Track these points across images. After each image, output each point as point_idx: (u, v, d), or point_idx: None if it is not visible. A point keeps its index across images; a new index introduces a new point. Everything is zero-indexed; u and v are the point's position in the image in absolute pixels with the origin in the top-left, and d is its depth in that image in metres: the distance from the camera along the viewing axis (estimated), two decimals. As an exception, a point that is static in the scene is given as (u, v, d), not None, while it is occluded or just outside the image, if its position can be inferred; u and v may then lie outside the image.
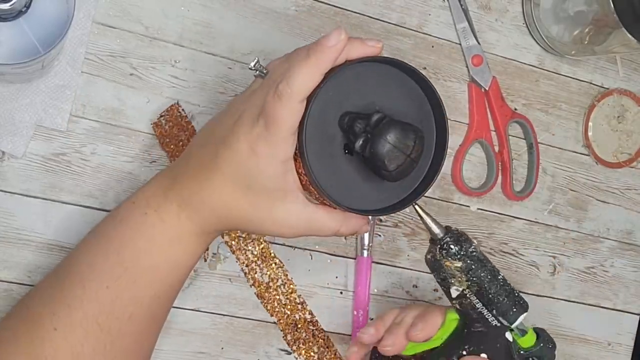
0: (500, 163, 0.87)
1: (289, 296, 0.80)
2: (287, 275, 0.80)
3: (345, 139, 0.61)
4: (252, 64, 0.61)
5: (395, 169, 0.59)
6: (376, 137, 0.58)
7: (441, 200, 0.86)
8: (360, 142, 0.59)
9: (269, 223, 0.62)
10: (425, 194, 0.63)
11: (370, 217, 0.80)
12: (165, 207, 0.62)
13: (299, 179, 0.62)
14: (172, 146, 0.75)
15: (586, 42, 0.86)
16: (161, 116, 0.75)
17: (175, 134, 0.75)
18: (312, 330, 0.81)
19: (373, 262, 0.83)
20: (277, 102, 0.57)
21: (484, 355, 0.67)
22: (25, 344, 0.61)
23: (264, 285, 0.79)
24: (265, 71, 0.62)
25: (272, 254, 0.79)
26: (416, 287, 0.85)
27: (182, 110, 0.75)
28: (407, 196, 0.64)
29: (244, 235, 0.78)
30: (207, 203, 0.62)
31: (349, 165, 0.62)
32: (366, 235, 0.82)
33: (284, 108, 0.57)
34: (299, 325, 0.80)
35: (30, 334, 0.61)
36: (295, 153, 0.61)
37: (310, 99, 0.59)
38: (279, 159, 0.59)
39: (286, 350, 0.80)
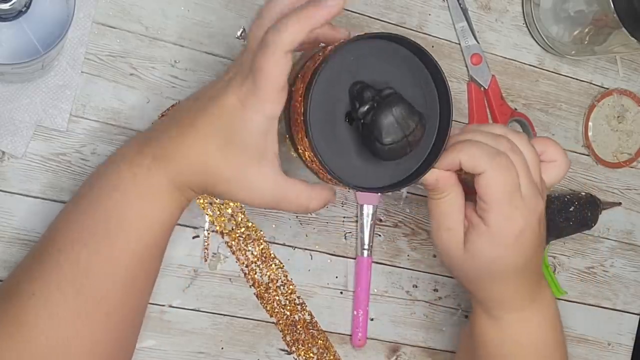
0: (500, 163, 0.87)
1: (288, 297, 0.80)
2: (286, 276, 0.80)
3: (350, 106, 0.61)
4: (239, 33, 0.62)
5: (390, 143, 0.59)
6: (382, 106, 0.59)
7: (441, 200, 0.86)
8: (365, 108, 0.59)
9: (240, 185, 0.61)
10: (419, 187, 0.63)
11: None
12: (138, 160, 0.62)
13: (298, 151, 0.62)
14: (172, 146, 0.75)
15: (586, 42, 0.86)
16: (162, 115, 0.75)
17: (175, 133, 0.75)
18: (312, 331, 0.81)
19: (373, 262, 0.83)
20: (263, 52, 0.58)
21: None
22: (4, 311, 0.61)
23: (264, 285, 0.79)
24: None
25: (272, 255, 0.79)
26: (416, 287, 0.85)
27: (183, 109, 0.75)
28: (396, 182, 0.64)
29: (244, 236, 0.78)
30: (183, 154, 0.61)
31: (349, 137, 0.62)
32: (366, 235, 0.82)
33: (269, 58, 0.57)
34: (299, 326, 0.80)
35: (8, 302, 0.61)
36: (295, 130, 0.61)
37: (319, 66, 0.60)
38: (264, 114, 0.59)
39: (286, 350, 0.80)
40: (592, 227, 0.89)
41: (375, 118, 0.59)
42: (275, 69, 0.58)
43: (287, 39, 0.57)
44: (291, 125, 0.64)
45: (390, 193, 0.83)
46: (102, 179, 0.64)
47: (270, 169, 0.61)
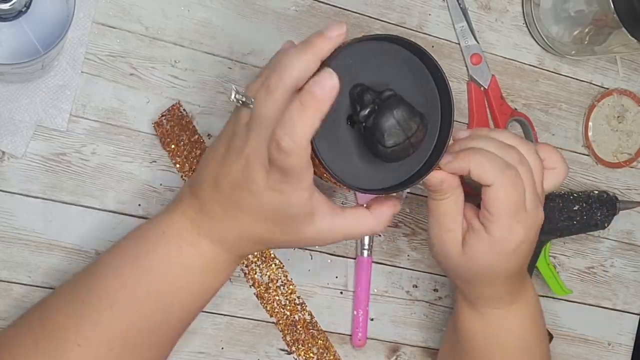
0: (500, 163, 0.87)
1: (288, 297, 0.80)
2: (286, 276, 0.80)
3: (351, 109, 0.61)
4: (232, 96, 0.58)
5: (392, 145, 0.59)
6: (383, 109, 0.59)
7: (441, 200, 0.86)
8: (367, 111, 0.59)
9: (303, 242, 0.63)
10: (419, 187, 0.63)
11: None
12: (199, 242, 0.63)
13: None
14: (172, 146, 0.75)
15: (586, 42, 0.86)
16: (162, 116, 0.75)
17: (176, 133, 0.75)
18: (312, 331, 0.81)
19: (373, 262, 0.83)
20: (287, 158, 0.56)
21: None
22: (47, 354, 0.61)
23: (264, 285, 0.79)
24: (249, 101, 0.59)
25: (272, 255, 0.79)
26: (416, 287, 0.85)
27: (184, 110, 0.75)
28: (399, 183, 0.64)
29: (244, 236, 0.78)
30: (240, 237, 0.62)
31: (350, 140, 0.62)
32: (366, 235, 0.82)
33: (295, 160, 0.56)
34: (299, 326, 0.80)
35: (52, 345, 0.62)
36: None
37: (319, 71, 0.59)
38: (303, 189, 0.59)
39: (286, 350, 0.80)
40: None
41: (377, 121, 0.59)
42: (302, 161, 0.56)
43: (304, 140, 0.55)
44: None
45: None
46: (158, 253, 0.63)
47: (325, 219, 0.61)
